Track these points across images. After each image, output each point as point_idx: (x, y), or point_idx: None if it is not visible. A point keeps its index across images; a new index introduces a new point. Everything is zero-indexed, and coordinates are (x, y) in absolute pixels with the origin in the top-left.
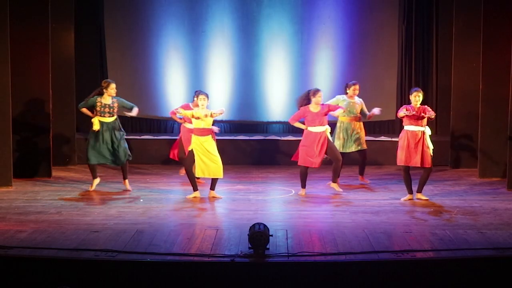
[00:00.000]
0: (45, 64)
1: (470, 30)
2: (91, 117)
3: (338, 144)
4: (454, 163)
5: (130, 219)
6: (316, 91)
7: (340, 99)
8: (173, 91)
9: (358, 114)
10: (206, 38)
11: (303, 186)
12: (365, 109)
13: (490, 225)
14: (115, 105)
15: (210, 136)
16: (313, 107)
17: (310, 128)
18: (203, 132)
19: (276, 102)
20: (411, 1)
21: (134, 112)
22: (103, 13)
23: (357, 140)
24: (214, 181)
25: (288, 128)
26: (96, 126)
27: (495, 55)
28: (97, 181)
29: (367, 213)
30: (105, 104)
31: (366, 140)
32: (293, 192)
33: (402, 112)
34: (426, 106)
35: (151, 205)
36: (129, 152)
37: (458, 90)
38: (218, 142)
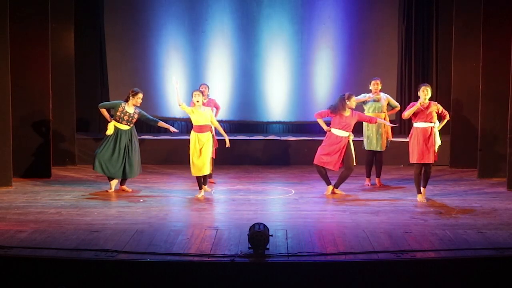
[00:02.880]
0: (45, 64)
1: (470, 30)
2: (107, 120)
3: (366, 142)
4: (454, 163)
5: (130, 219)
6: (350, 95)
7: (366, 97)
8: (173, 91)
9: (384, 111)
10: (206, 38)
11: (327, 183)
12: (393, 102)
13: (490, 225)
14: (136, 116)
15: (209, 132)
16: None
17: (334, 130)
18: (202, 128)
19: (276, 102)
20: (411, 1)
21: (171, 128)
22: (103, 13)
23: (380, 140)
24: (205, 178)
25: (288, 128)
26: (109, 131)
27: (495, 55)
28: (114, 182)
29: (367, 213)
30: (127, 112)
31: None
32: (293, 192)
33: (407, 112)
34: (436, 102)
35: (151, 205)
36: (140, 166)
37: (458, 90)
38: (218, 142)
